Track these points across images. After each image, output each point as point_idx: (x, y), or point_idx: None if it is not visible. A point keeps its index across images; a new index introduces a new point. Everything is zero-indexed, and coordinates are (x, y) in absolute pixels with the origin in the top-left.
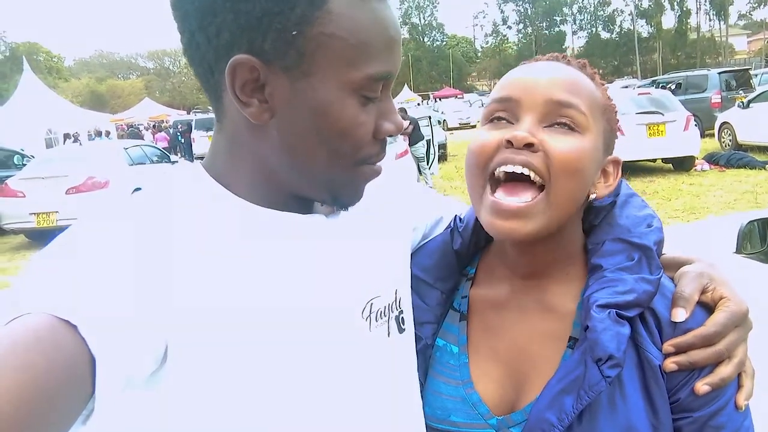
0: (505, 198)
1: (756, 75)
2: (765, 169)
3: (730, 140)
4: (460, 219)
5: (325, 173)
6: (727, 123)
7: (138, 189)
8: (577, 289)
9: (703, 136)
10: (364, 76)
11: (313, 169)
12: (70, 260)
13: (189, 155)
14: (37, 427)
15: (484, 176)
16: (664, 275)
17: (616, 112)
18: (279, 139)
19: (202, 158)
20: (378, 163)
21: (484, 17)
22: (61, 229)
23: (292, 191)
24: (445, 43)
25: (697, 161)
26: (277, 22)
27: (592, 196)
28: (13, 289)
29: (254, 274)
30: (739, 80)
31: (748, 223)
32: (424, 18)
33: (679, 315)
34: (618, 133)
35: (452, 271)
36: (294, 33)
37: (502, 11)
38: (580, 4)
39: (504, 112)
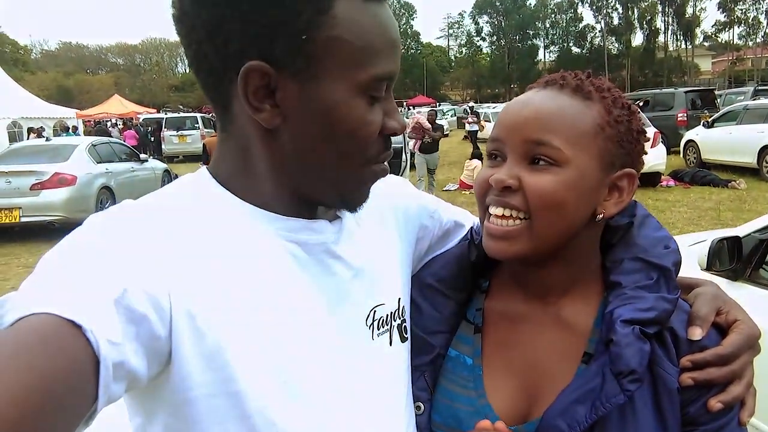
0: (492, 221)
1: (720, 95)
2: (727, 187)
3: (694, 158)
4: (476, 231)
5: (334, 173)
6: (692, 141)
7: (106, 186)
8: (594, 306)
9: (669, 153)
10: (370, 76)
11: (323, 170)
12: (75, 260)
13: (158, 154)
14: (42, 431)
15: (483, 207)
16: None
17: (629, 126)
18: (289, 142)
19: (171, 157)
20: (384, 164)
21: (458, 28)
22: (24, 226)
23: (301, 194)
24: (419, 51)
25: (663, 177)
26: (286, 29)
27: (600, 216)
28: (19, 289)
29: (260, 278)
30: (704, 100)
31: (718, 241)
32: (400, 26)
33: (696, 333)
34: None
35: (467, 282)
36: (303, 38)
37: (476, 23)
38: (553, 19)
39: (497, 151)
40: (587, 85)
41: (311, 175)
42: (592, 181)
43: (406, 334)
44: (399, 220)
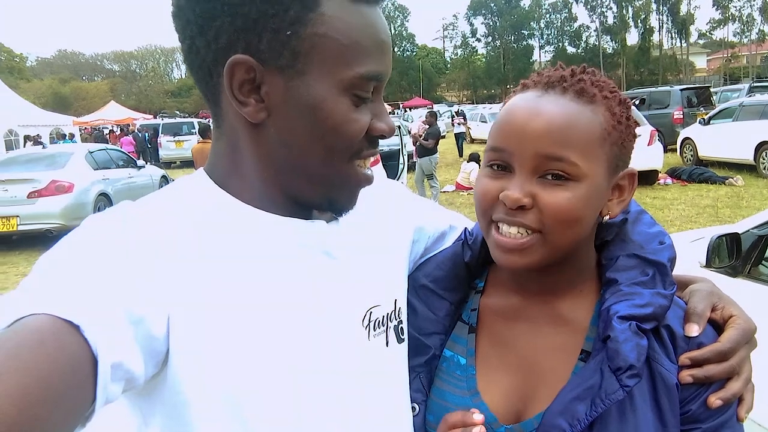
0: (505, 234)
1: (716, 93)
2: (725, 184)
3: (691, 155)
4: (470, 232)
5: (320, 171)
6: (689, 138)
7: (103, 193)
8: (590, 304)
9: (665, 150)
10: (355, 75)
11: (309, 167)
12: (74, 261)
13: (155, 160)
14: (40, 430)
15: (487, 219)
16: None
17: (628, 123)
18: (275, 137)
19: (168, 163)
20: (370, 171)
21: (453, 29)
22: (21, 234)
23: (291, 193)
24: (415, 53)
25: (660, 175)
26: (272, 23)
27: (606, 217)
28: (18, 290)
29: (255, 278)
30: (700, 97)
31: (717, 237)
32: (394, 28)
33: (693, 330)
34: None
35: (462, 282)
36: (288, 33)
37: (471, 24)
38: (548, 19)
39: (499, 161)
40: (589, 87)
41: (298, 171)
42: (602, 189)
43: (402, 335)
44: (395, 223)
